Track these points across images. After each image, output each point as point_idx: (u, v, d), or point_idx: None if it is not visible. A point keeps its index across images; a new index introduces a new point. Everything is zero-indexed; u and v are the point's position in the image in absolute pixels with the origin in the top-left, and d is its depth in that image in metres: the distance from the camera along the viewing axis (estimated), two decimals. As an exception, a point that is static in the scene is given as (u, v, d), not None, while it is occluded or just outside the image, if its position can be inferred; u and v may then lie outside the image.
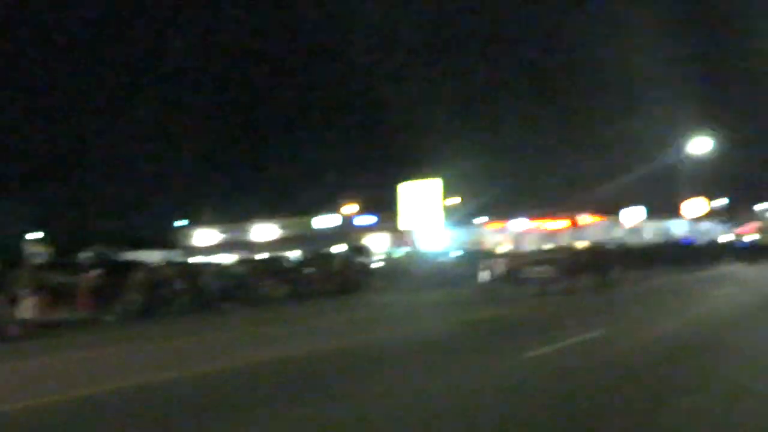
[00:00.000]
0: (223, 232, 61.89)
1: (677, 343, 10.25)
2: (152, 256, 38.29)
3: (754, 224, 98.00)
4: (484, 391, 7.35)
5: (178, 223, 67.32)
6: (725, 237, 54.55)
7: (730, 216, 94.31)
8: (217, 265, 27.86)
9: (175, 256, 55.27)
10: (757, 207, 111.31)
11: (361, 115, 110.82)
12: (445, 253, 32.26)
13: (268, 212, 60.26)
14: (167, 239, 64.71)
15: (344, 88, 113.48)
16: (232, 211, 65.79)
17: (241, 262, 29.93)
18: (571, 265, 21.34)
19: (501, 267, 23.30)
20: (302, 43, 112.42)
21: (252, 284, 23.26)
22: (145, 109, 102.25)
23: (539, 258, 23.65)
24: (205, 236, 62.23)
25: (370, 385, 7.84)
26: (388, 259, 37.56)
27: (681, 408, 6.25)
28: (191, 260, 39.87)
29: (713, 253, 36.49)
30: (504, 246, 40.36)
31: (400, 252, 42.30)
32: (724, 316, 13.81)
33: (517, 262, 23.15)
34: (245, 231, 60.11)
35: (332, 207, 55.66)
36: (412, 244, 49.57)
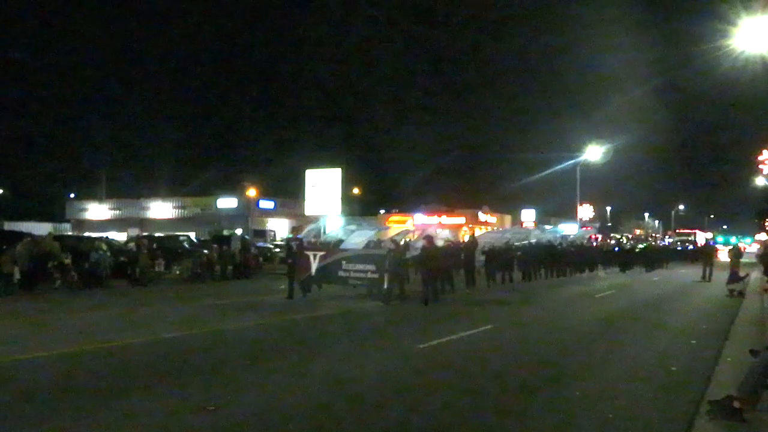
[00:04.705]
0: (116, 207, 59.27)
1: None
2: (39, 229, 36.35)
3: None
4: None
5: (69, 196, 64.22)
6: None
7: (613, 222, 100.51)
8: (108, 241, 26.84)
9: (63, 229, 52.73)
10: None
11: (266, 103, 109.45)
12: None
13: (165, 190, 58.33)
14: (56, 212, 61.58)
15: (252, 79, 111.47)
16: (128, 187, 63.34)
17: (133, 239, 28.97)
18: (395, 264, 16.92)
19: (312, 262, 18.15)
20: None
21: (143, 263, 22.54)
22: (40, 75, 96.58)
23: (361, 254, 18.14)
24: (97, 211, 59.45)
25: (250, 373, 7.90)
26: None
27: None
28: (82, 235, 38.05)
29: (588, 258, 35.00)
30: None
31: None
32: (601, 317, 14.51)
33: (334, 258, 18.11)
34: (140, 208, 57.85)
35: (232, 189, 54.61)
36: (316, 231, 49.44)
